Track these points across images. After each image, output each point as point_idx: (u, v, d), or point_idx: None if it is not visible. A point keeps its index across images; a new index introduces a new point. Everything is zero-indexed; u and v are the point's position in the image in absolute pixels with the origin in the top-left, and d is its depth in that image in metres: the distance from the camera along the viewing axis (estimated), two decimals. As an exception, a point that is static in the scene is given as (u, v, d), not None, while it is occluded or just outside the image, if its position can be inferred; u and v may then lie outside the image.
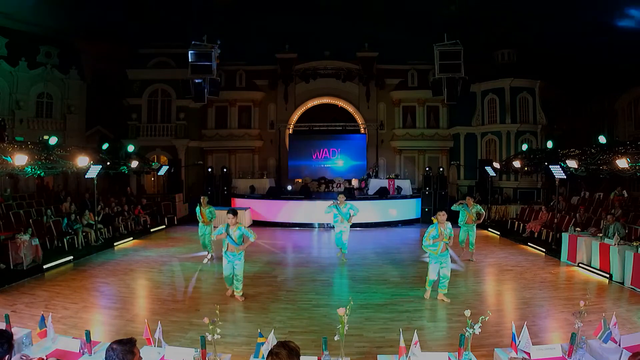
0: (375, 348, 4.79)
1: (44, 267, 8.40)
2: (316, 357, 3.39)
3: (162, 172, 16.60)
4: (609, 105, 19.29)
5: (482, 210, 9.56)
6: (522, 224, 12.99)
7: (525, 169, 14.87)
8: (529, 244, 11.26)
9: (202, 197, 10.05)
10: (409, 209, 15.76)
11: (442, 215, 6.41)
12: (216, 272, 8.57)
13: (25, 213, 11.12)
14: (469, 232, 9.50)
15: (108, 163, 12.51)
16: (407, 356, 3.36)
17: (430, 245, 6.43)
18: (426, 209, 15.68)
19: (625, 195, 12.51)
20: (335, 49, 20.62)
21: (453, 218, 7.81)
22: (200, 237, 9.91)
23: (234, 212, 6.51)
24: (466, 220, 9.44)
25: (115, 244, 11.27)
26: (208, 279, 8.13)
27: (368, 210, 14.57)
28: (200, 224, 9.80)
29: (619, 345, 3.51)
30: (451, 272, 8.52)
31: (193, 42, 17.00)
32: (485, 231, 13.90)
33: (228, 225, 6.43)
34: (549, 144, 13.61)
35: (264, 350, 3.31)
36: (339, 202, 9.26)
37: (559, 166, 10.56)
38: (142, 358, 2.42)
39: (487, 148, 20.04)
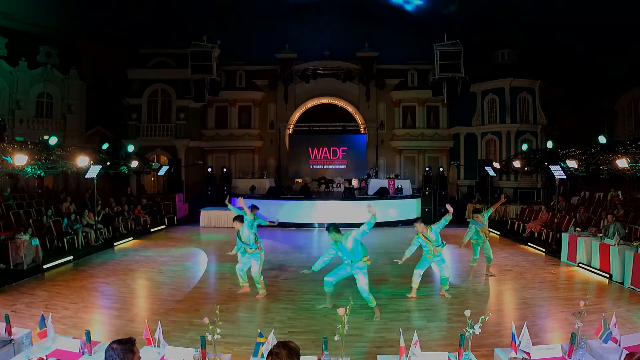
0: (375, 348, 4.79)
1: (44, 267, 8.40)
2: (316, 357, 3.39)
3: (162, 172, 16.60)
4: (609, 105, 19.27)
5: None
6: (522, 224, 12.98)
7: (525, 169, 14.85)
8: (529, 244, 11.25)
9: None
10: (409, 209, 15.75)
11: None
12: (216, 272, 8.62)
13: (25, 213, 11.11)
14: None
15: (108, 163, 12.50)
16: (407, 356, 3.36)
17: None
18: (426, 209, 15.67)
19: (620, 196, 12.50)
20: (335, 49, 20.60)
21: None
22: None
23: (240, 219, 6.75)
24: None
25: (115, 244, 11.27)
26: (208, 278, 8.15)
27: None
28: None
29: (619, 345, 3.51)
30: (451, 272, 8.59)
31: (193, 42, 17.05)
32: (485, 231, 13.91)
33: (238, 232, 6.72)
34: (549, 144, 13.61)
35: (264, 350, 3.31)
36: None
37: (559, 166, 10.56)
38: (141, 357, 2.42)
39: (487, 148, 20.03)
